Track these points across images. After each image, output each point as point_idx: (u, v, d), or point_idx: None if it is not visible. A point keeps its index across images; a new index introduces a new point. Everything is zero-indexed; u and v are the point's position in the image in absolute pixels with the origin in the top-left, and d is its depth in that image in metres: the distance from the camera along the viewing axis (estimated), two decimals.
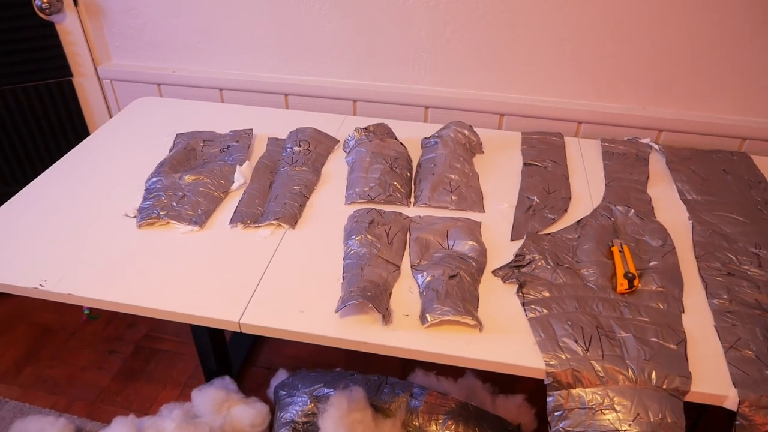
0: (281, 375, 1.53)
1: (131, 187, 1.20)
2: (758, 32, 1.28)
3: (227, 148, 1.31)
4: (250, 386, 1.62)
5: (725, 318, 0.92)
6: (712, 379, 0.83)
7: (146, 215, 1.09)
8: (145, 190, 1.18)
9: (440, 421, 1.29)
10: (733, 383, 0.82)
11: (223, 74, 1.60)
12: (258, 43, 1.54)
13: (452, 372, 1.48)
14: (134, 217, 1.11)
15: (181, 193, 1.15)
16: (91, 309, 1.81)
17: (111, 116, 1.71)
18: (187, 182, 1.18)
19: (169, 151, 1.32)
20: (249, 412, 1.44)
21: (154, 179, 1.19)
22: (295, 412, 1.39)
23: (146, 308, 0.93)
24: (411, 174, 1.25)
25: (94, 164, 1.29)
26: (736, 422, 0.81)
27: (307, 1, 1.44)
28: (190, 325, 1.41)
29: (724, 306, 0.94)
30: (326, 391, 1.39)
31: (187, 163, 1.27)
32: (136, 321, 1.82)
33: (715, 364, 0.85)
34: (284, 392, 1.46)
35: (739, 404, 0.80)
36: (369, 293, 0.89)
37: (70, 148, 1.36)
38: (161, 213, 1.10)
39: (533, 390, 1.48)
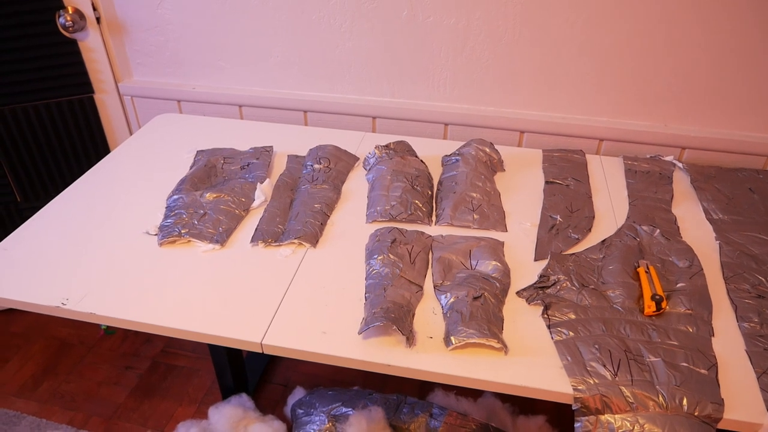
0: (298, 393, 1.52)
1: (152, 205, 1.21)
2: None
3: (248, 165, 1.32)
4: (267, 404, 1.61)
5: (757, 342, 0.90)
6: (745, 405, 0.80)
7: (167, 233, 1.09)
8: (166, 207, 1.18)
9: None
10: None
11: (242, 91, 1.61)
12: (277, 60, 1.55)
13: (472, 392, 1.46)
14: (155, 234, 1.12)
15: (202, 211, 1.15)
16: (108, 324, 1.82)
17: (132, 133, 1.72)
18: (208, 200, 1.18)
19: (190, 168, 1.32)
20: (266, 430, 1.43)
21: (175, 197, 1.19)
22: (312, 431, 1.37)
23: (167, 328, 0.92)
24: (432, 192, 1.24)
25: (115, 181, 1.29)
26: None
27: (326, 19, 1.45)
28: (209, 343, 1.41)
29: (756, 330, 0.92)
30: (344, 410, 1.37)
31: (208, 181, 1.27)
32: (153, 336, 1.82)
33: (747, 389, 0.83)
34: (302, 411, 1.44)
35: None
36: (392, 315, 0.88)
37: (91, 165, 1.37)
38: (182, 231, 1.10)
39: (554, 411, 1.46)
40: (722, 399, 0.81)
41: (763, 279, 1.01)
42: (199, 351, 1.78)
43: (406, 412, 1.35)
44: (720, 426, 0.80)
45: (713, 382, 0.83)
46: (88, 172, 1.33)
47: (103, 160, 1.37)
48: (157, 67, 1.64)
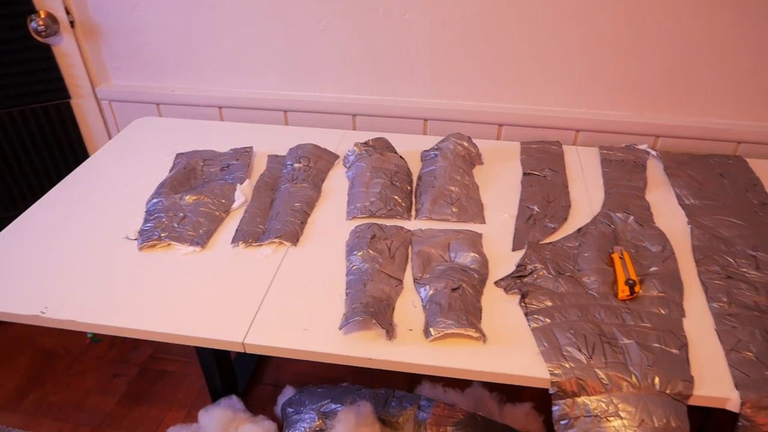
0: (288, 392, 1.53)
1: (132, 209, 1.21)
2: (749, 37, 1.29)
3: (227, 166, 1.32)
4: (257, 404, 1.62)
5: (725, 321, 0.92)
6: (714, 382, 0.83)
7: (147, 237, 1.10)
8: (145, 211, 1.19)
9: None
10: (735, 385, 0.82)
11: (222, 92, 1.62)
12: (256, 60, 1.56)
13: (459, 383, 1.48)
14: (135, 239, 1.12)
15: (182, 214, 1.16)
16: (94, 332, 1.82)
17: (110, 137, 1.72)
18: (187, 202, 1.19)
19: (169, 171, 1.33)
20: (257, 430, 1.44)
21: (154, 200, 1.20)
22: (303, 428, 1.39)
23: (149, 332, 0.93)
24: (411, 187, 1.26)
25: (94, 187, 1.30)
26: (739, 424, 0.81)
27: (304, 18, 1.46)
28: (196, 346, 1.42)
29: (724, 309, 0.94)
30: (334, 406, 1.38)
31: (188, 183, 1.27)
32: (140, 343, 1.82)
33: (716, 366, 0.85)
34: (292, 409, 1.45)
35: (741, 406, 0.80)
36: (372, 309, 0.89)
37: (70, 171, 1.37)
38: (162, 235, 1.10)
39: (540, 398, 1.48)
40: (692, 376, 0.83)
41: (732, 260, 1.04)
42: (188, 355, 1.78)
43: (395, 405, 1.37)
44: (690, 402, 0.82)
45: (684, 361, 0.85)
46: (65, 178, 1.33)
47: (81, 165, 1.37)
48: (134, 70, 1.64)
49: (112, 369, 1.74)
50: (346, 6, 1.42)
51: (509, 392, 1.48)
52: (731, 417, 0.83)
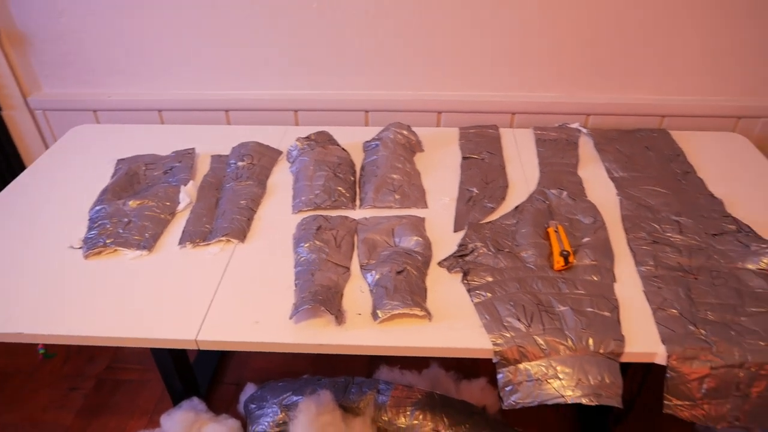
0: (250, 389, 1.54)
1: (74, 219, 1.20)
2: (669, 17, 1.37)
3: (170, 169, 1.32)
4: (220, 404, 1.63)
5: (652, 282, 0.99)
6: (643, 339, 0.89)
7: (92, 245, 1.09)
8: (89, 219, 1.18)
9: (408, 412, 1.33)
10: (662, 340, 0.89)
11: (160, 95, 1.60)
12: (194, 61, 1.55)
13: (416, 365, 1.52)
14: (80, 248, 1.11)
15: (126, 219, 1.15)
16: (46, 348, 1.78)
17: (47, 148, 1.68)
18: (131, 207, 1.18)
19: (111, 178, 1.31)
20: (220, 429, 1.44)
21: (97, 208, 1.19)
22: (266, 423, 1.40)
23: (102, 338, 0.93)
24: (355, 178, 1.29)
25: (33, 198, 1.27)
26: (667, 375, 0.88)
27: (238, 16, 1.46)
28: (152, 350, 1.41)
29: (651, 272, 1.01)
30: (295, 398, 1.41)
31: (131, 189, 1.27)
32: (96, 354, 1.79)
33: (645, 325, 0.92)
34: (254, 405, 1.47)
35: (667, 359, 0.87)
36: (320, 297, 0.92)
37: (6, 185, 1.34)
38: (108, 241, 1.10)
39: (494, 373, 1.54)
40: (623, 336, 0.89)
41: (658, 226, 1.11)
42: (145, 363, 1.77)
43: (354, 391, 1.40)
44: (623, 360, 0.88)
45: (615, 322, 0.92)
46: (2, 192, 1.30)
47: (17, 178, 1.35)
48: (67, 77, 1.61)
49: (68, 383, 1.71)
50: (280, 2, 1.43)
51: (465, 370, 1.53)
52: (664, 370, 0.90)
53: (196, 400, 1.52)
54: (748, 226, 1.10)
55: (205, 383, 1.66)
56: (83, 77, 1.60)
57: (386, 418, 1.33)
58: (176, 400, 1.58)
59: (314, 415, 1.29)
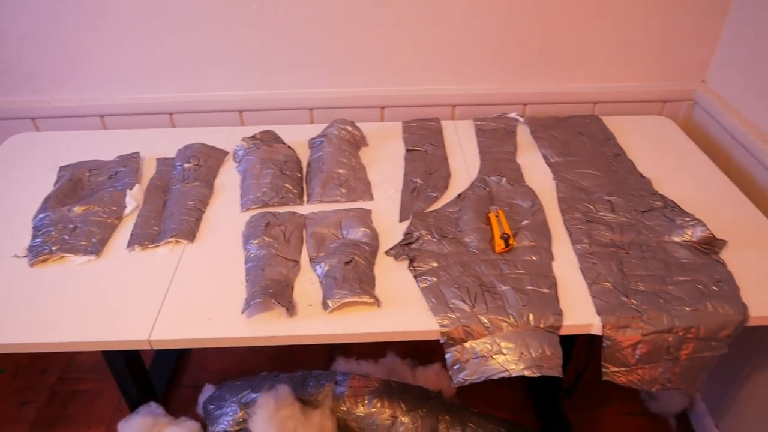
0: (208, 390, 1.54)
1: (17, 227, 1.17)
2: (598, 7, 1.45)
3: (115, 174, 1.31)
4: (178, 408, 1.62)
5: (587, 259, 1.05)
6: (580, 312, 0.95)
7: (38, 252, 1.08)
8: (32, 227, 1.16)
9: (366, 401, 1.36)
10: (597, 312, 0.95)
11: (101, 100, 1.58)
12: (135, 65, 1.53)
13: (373, 355, 1.56)
14: (25, 256, 1.10)
15: (72, 226, 1.14)
16: None
17: None
18: (77, 213, 1.17)
19: (54, 186, 1.30)
20: None
21: (41, 215, 1.17)
22: (226, 422, 1.41)
23: (53, 343, 0.93)
24: (301, 174, 1.31)
25: None
26: (603, 344, 0.94)
27: (178, 18, 1.45)
28: (105, 357, 1.40)
29: (586, 249, 1.08)
30: (254, 395, 1.42)
31: (75, 195, 1.25)
32: (47, 366, 1.76)
33: (581, 299, 0.98)
34: (213, 406, 1.47)
35: (603, 328, 0.93)
36: (271, 290, 0.94)
37: None
38: (53, 248, 1.09)
39: None
40: (561, 310, 0.95)
41: (592, 207, 1.18)
42: (99, 371, 1.74)
43: (313, 385, 1.42)
44: (562, 332, 0.94)
45: (553, 298, 0.97)
46: None
47: None
48: (2, 85, 1.56)
49: (19, 397, 1.67)
50: (219, 4, 1.43)
51: (420, 357, 1.58)
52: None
53: (153, 405, 1.51)
54: (674, 202, 1.18)
55: (162, 388, 1.65)
56: (20, 85, 1.56)
57: (345, 408, 1.36)
58: (133, 407, 1.56)
59: (273, 410, 1.30)
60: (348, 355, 1.57)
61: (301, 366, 1.66)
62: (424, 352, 1.60)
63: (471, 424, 1.35)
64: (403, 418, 1.32)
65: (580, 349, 1.35)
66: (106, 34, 1.48)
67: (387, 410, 1.34)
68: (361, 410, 1.36)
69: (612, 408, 1.56)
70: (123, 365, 1.42)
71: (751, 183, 1.32)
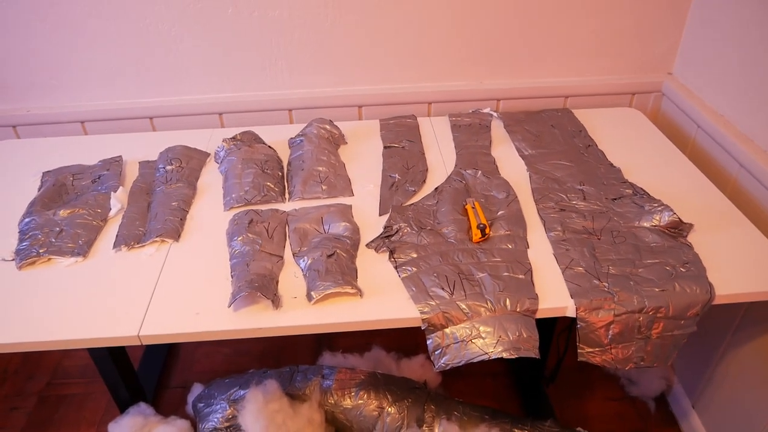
0: (197, 389, 1.56)
1: (3, 232, 1.19)
2: (569, 5, 1.49)
3: (98, 177, 1.33)
4: (168, 408, 1.64)
5: (560, 245, 1.10)
6: (554, 296, 1.00)
7: (25, 255, 1.10)
8: (18, 232, 1.18)
9: (353, 393, 1.39)
10: (570, 295, 0.99)
11: (82, 106, 1.59)
12: (114, 71, 1.55)
13: (358, 348, 1.59)
14: (12, 260, 1.11)
15: (58, 229, 1.16)
16: None
17: None
18: (62, 217, 1.19)
19: (38, 191, 1.31)
20: (170, 431, 1.46)
21: (26, 220, 1.19)
22: (216, 419, 1.43)
23: (43, 342, 0.94)
24: (282, 173, 1.34)
25: None
26: (578, 326, 0.98)
27: (154, 24, 1.47)
28: (94, 359, 1.41)
29: (560, 236, 1.12)
30: (242, 392, 1.44)
31: (60, 199, 1.27)
32: (35, 372, 1.76)
33: (555, 284, 1.02)
34: (202, 404, 1.49)
35: (576, 311, 0.97)
36: (256, 284, 0.97)
37: None
38: (41, 251, 1.11)
39: None
40: (536, 294, 0.99)
41: (564, 196, 1.23)
42: (88, 375, 1.75)
43: (300, 379, 1.45)
44: (537, 315, 0.98)
45: (529, 283, 1.01)
46: None
47: None
48: None
49: (8, 403, 1.67)
50: (195, 9, 1.46)
51: (405, 349, 1.61)
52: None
53: (143, 405, 1.53)
54: (643, 189, 1.23)
55: (151, 389, 1.67)
56: None
57: (332, 401, 1.39)
58: (123, 407, 1.58)
59: (262, 404, 1.33)
60: (334, 349, 1.60)
61: (288, 361, 1.69)
62: (409, 344, 1.63)
63: (456, 413, 1.38)
64: (389, 409, 1.36)
65: (560, 336, 1.40)
66: (83, 41, 1.49)
67: (374, 401, 1.37)
68: (348, 402, 1.39)
69: (593, 393, 1.61)
70: (113, 367, 1.43)
71: (716, 169, 1.38)
